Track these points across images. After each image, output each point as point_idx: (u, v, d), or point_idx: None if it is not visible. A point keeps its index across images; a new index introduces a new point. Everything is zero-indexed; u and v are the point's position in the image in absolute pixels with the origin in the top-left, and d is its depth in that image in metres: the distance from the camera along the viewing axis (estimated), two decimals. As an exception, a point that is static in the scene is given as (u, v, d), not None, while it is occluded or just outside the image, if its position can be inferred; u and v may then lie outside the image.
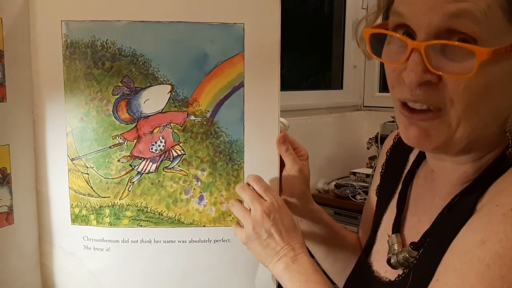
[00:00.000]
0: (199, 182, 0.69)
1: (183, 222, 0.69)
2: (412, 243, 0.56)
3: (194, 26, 0.67)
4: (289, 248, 0.63)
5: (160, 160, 0.68)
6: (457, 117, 0.49)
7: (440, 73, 0.47)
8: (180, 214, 0.69)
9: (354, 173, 2.01)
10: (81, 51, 0.65)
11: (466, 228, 0.48)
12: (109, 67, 0.66)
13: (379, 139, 1.86)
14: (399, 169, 0.69)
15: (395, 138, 0.74)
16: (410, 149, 0.69)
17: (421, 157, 0.65)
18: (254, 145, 0.70)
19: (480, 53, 0.45)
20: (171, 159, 0.68)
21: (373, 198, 0.74)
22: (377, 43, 0.54)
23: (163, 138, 0.68)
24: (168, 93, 0.67)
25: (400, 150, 0.71)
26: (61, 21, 0.65)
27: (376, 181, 0.74)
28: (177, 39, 0.67)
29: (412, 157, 0.68)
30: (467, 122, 0.49)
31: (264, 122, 0.70)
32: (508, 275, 0.41)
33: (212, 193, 0.69)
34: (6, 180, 0.61)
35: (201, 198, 0.69)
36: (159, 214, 0.68)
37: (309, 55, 2.33)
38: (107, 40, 0.66)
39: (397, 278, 0.57)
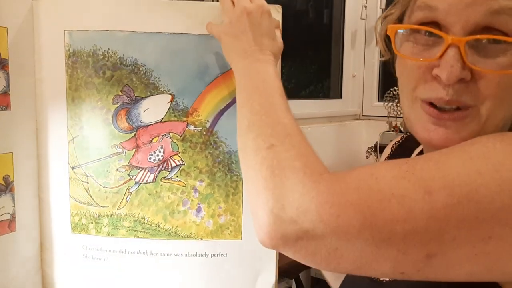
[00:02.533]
0: (197, 193, 0.68)
1: (179, 235, 0.68)
2: None
3: (196, 38, 0.68)
4: (258, 50, 0.62)
5: (158, 170, 0.68)
6: (486, 114, 0.49)
7: (479, 68, 0.47)
8: (177, 226, 0.68)
9: (353, 182, 2.01)
10: (83, 60, 0.66)
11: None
12: (110, 76, 0.67)
13: (378, 148, 1.87)
14: None
15: (393, 147, 0.74)
16: (408, 157, 0.69)
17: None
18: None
19: None
20: (169, 169, 0.68)
21: None
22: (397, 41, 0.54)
23: (161, 147, 0.68)
24: (168, 102, 0.67)
25: (398, 158, 0.71)
26: (64, 30, 0.66)
27: None
28: (179, 50, 0.67)
29: None
30: (495, 117, 0.50)
31: None
32: (485, 172, 0.41)
33: (210, 204, 0.68)
34: (9, 187, 0.61)
35: (198, 210, 0.68)
36: (155, 226, 0.68)
37: (308, 64, 2.34)
38: (108, 49, 0.66)
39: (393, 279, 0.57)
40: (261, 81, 0.58)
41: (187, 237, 0.68)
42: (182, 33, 0.67)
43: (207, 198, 0.68)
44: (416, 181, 0.42)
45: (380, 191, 0.42)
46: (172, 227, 0.68)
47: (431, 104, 0.51)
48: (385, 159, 0.74)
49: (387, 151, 0.75)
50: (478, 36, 0.47)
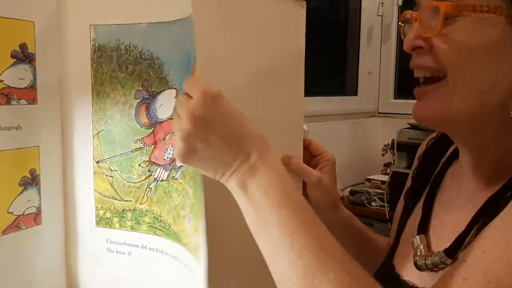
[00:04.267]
0: (189, 200, 0.61)
1: (181, 240, 0.62)
2: (446, 250, 0.56)
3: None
4: (242, 158, 0.48)
5: (170, 168, 0.66)
6: (453, 83, 0.51)
7: (425, 35, 0.52)
8: (181, 231, 0.62)
9: (369, 180, 2.01)
10: (107, 54, 0.66)
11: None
12: (132, 70, 0.66)
13: (396, 146, 1.85)
14: (429, 174, 0.69)
15: (428, 143, 0.73)
16: (442, 154, 0.68)
17: (452, 158, 0.65)
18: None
19: (443, 5, 0.50)
20: (176, 169, 0.65)
21: (401, 203, 0.74)
22: None
23: (171, 145, 0.65)
24: (174, 98, 0.65)
25: (432, 155, 0.71)
26: (90, 25, 0.66)
27: (407, 185, 0.74)
28: (184, 40, 0.64)
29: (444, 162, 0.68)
30: (462, 90, 0.51)
31: (288, 129, 0.70)
32: None
33: (195, 216, 0.58)
34: (35, 181, 0.62)
35: (189, 219, 0.60)
36: (168, 226, 0.65)
37: (324, 61, 2.33)
38: (130, 43, 0.66)
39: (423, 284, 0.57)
40: (255, 217, 0.46)
41: (186, 245, 0.61)
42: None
43: (193, 207, 0.59)
44: None
45: None
46: (178, 231, 0.63)
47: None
48: (420, 156, 0.73)
49: (422, 147, 0.74)
50: (423, 5, 0.52)
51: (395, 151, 1.86)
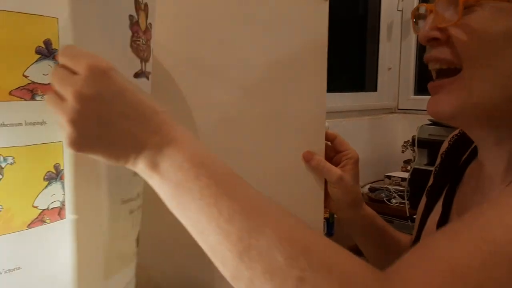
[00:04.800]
0: None
1: None
2: None
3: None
4: (146, 137, 0.41)
5: None
6: (469, 77, 0.50)
7: (442, 25, 0.50)
8: None
9: (389, 177, 1.99)
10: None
11: None
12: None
13: (416, 143, 1.83)
14: (450, 171, 0.68)
15: (450, 140, 0.72)
16: (464, 151, 0.67)
17: (472, 154, 0.64)
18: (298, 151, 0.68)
19: None
20: None
21: (424, 200, 0.73)
22: None
23: None
24: None
25: (454, 152, 0.70)
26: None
27: (430, 182, 0.73)
28: None
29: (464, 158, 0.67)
30: (480, 83, 0.49)
31: (310, 125, 0.69)
32: None
33: None
34: (59, 175, 0.62)
35: None
36: None
37: (343, 57, 2.31)
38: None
39: None
40: (174, 187, 0.40)
41: None
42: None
43: None
44: (506, 263, 0.36)
45: None
46: None
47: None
48: (442, 153, 0.72)
49: (445, 144, 0.73)
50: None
51: (415, 147, 1.84)
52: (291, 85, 0.70)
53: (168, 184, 0.41)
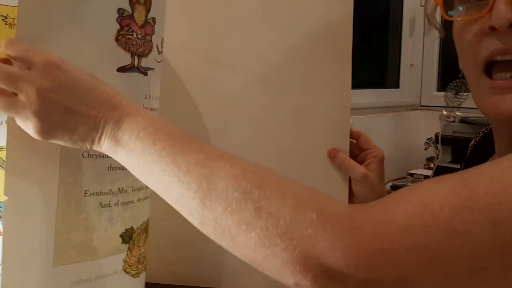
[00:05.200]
0: None
1: None
2: None
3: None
4: (105, 117, 0.45)
5: None
6: None
7: None
8: None
9: (411, 174, 1.96)
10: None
11: None
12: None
13: (440, 140, 1.80)
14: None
15: (476, 137, 0.71)
16: (491, 147, 0.66)
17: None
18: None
19: None
20: None
21: None
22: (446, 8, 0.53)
23: None
24: None
25: (481, 149, 0.68)
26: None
27: None
28: None
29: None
30: None
31: (334, 121, 0.68)
32: None
33: None
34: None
35: None
36: None
37: (365, 53, 2.28)
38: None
39: None
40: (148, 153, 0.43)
41: None
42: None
43: None
44: (481, 211, 0.36)
45: (439, 228, 0.36)
46: None
47: (494, 78, 0.50)
48: (469, 150, 0.71)
49: (473, 141, 0.72)
50: None
51: (439, 145, 1.81)
52: (315, 81, 0.69)
53: (131, 155, 0.44)
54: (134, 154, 0.44)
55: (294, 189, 0.41)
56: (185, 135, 0.45)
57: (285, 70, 0.70)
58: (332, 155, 0.69)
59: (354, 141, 0.73)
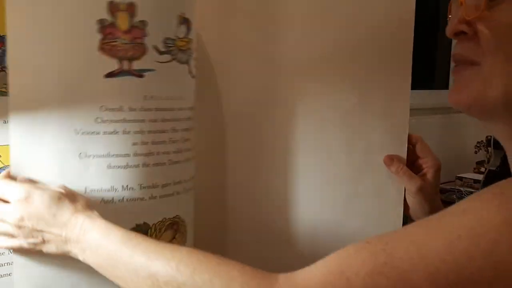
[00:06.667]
0: None
1: None
2: None
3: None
4: (68, 235, 0.53)
5: None
6: (489, 71, 0.47)
7: (470, 18, 0.47)
8: None
9: (460, 178, 1.90)
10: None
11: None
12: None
13: (492, 143, 1.74)
14: None
15: None
16: None
17: None
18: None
19: None
20: None
21: None
22: None
23: None
24: None
25: None
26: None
27: None
28: None
29: None
30: (500, 75, 0.46)
31: (392, 124, 0.67)
32: (477, 257, 0.35)
33: None
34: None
35: None
36: None
37: (413, 53, 2.24)
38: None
39: None
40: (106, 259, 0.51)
41: None
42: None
43: None
44: (396, 276, 0.36)
45: None
46: None
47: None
48: None
49: None
50: None
51: (491, 148, 1.75)
52: (374, 81, 0.68)
53: (93, 264, 0.52)
54: (95, 265, 0.52)
55: (220, 271, 0.44)
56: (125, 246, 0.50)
57: (344, 69, 0.70)
58: (388, 163, 0.68)
59: (411, 146, 0.72)
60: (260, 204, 0.74)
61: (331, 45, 0.70)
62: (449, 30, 0.52)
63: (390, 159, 0.68)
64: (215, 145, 0.74)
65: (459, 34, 0.51)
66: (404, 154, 0.69)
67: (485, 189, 0.44)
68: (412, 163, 0.71)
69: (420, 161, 0.71)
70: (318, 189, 0.72)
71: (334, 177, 0.71)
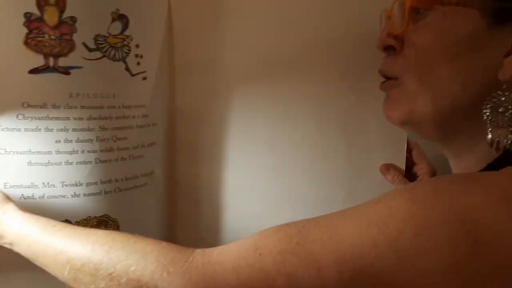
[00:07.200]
0: None
1: None
2: None
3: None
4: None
5: None
6: (415, 87, 0.48)
7: (395, 32, 0.49)
8: None
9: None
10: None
11: None
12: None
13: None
14: None
15: None
16: None
17: None
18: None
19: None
20: None
21: None
22: None
23: None
24: None
25: None
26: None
27: None
28: None
29: None
30: (427, 92, 0.47)
31: (391, 130, 0.65)
32: (381, 243, 0.36)
33: None
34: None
35: None
36: None
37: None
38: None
39: None
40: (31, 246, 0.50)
41: None
42: None
43: None
44: (306, 256, 0.38)
45: (262, 269, 0.38)
46: None
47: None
48: None
49: None
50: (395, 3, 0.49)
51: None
52: (375, 82, 0.67)
53: (24, 255, 0.51)
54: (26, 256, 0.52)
55: (136, 247, 0.44)
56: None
57: (342, 68, 0.68)
58: (384, 172, 0.67)
59: (408, 154, 0.71)
60: (254, 204, 0.73)
61: (328, 44, 0.68)
62: (378, 43, 0.52)
63: (386, 168, 0.67)
64: (216, 141, 0.73)
65: (387, 48, 0.51)
66: (403, 154, 0.69)
67: (403, 185, 0.45)
68: (408, 170, 0.70)
69: (416, 168, 0.71)
70: (317, 189, 0.71)
71: (335, 178, 0.71)
